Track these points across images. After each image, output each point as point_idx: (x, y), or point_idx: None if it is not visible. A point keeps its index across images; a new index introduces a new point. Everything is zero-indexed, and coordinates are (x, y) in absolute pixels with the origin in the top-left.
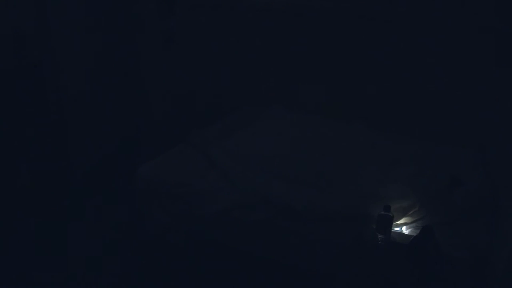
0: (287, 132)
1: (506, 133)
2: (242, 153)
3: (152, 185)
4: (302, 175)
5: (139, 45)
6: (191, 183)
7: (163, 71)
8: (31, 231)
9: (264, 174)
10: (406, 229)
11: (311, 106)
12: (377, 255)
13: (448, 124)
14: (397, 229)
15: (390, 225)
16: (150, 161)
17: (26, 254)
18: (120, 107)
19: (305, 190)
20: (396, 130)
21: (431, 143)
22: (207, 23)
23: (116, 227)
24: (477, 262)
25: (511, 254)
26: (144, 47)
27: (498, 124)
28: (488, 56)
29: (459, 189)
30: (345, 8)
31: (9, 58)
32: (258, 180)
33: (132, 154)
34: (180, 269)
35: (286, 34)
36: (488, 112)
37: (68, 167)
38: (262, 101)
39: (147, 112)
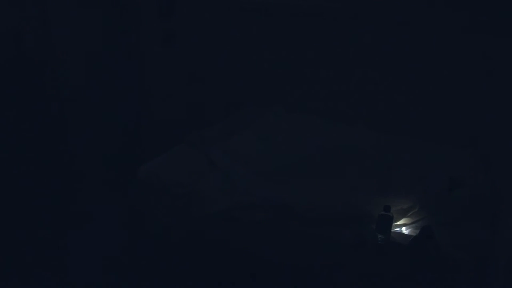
0: (287, 133)
1: (506, 133)
2: (242, 154)
3: (152, 185)
4: (302, 175)
5: (139, 44)
6: (191, 183)
7: (163, 70)
8: (30, 231)
9: (264, 174)
10: (406, 229)
11: (312, 107)
12: (377, 255)
13: (448, 124)
14: (397, 229)
15: (390, 225)
16: (150, 161)
17: (26, 254)
18: (120, 107)
19: (305, 190)
20: (396, 131)
21: (431, 144)
22: (208, 23)
23: (116, 227)
24: (477, 262)
25: (511, 254)
26: (145, 46)
27: (499, 124)
28: (488, 55)
29: (459, 189)
30: (345, 8)
31: (8, 57)
32: (259, 180)
33: (132, 154)
34: (180, 269)
35: (287, 34)
36: (488, 112)
37: (68, 167)
38: (263, 101)
39: (147, 111)
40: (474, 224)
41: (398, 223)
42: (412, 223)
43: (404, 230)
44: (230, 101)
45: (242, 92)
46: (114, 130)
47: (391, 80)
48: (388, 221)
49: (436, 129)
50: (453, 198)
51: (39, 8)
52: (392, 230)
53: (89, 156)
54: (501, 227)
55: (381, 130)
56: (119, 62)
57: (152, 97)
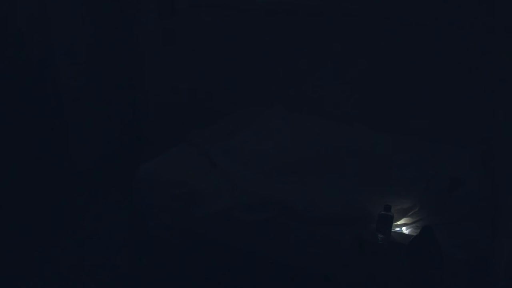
0: (287, 132)
1: (507, 132)
2: (242, 153)
3: (152, 185)
4: (303, 175)
5: (140, 44)
6: (191, 183)
7: (164, 70)
8: (32, 231)
9: (264, 174)
10: (406, 229)
11: (312, 107)
12: (377, 255)
13: (448, 124)
14: (397, 229)
15: (390, 224)
16: (150, 161)
17: (26, 254)
18: (120, 107)
19: (306, 190)
20: (396, 130)
21: (431, 143)
22: (208, 23)
23: (116, 227)
24: (477, 262)
25: (511, 254)
26: (145, 46)
27: (499, 124)
28: (488, 55)
29: (459, 189)
30: (345, 8)
31: (8, 57)
32: (259, 180)
33: (132, 154)
34: (180, 269)
35: (287, 34)
36: (488, 111)
37: (68, 167)
38: (263, 101)
39: (148, 111)
40: (474, 224)
41: (398, 223)
42: (412, 223)
43: (405, 230)
44: (231, 101)
45: (243, 92)
46: (114, 130)
47: (392, 79)
48: (389, 221)
49: (436, 129)
50: (454, 198)
51: (39, 7)
52: (392, 230)
53: (89, 155)
54: (501, 227)
55: (381, 129)
56: (119, 61)
57: (152, 97)
